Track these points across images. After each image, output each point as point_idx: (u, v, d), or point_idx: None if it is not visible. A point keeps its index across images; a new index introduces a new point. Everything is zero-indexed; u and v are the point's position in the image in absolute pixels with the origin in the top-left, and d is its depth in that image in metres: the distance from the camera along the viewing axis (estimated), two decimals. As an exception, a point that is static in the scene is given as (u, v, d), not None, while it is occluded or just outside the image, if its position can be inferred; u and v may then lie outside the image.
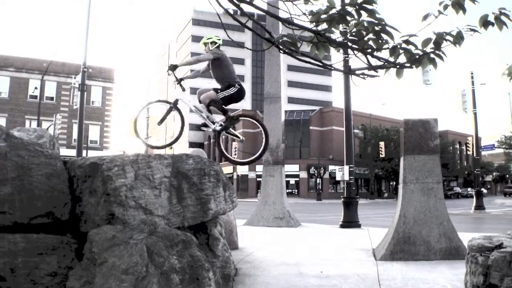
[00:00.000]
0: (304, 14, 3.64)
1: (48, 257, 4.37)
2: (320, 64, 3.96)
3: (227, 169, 70.59)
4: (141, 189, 4.99)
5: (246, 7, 3.94)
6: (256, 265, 6.91)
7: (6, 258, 4.11)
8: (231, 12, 3.73)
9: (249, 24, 4.07)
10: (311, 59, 3.88)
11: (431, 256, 7.34)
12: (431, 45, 3.59)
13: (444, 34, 3.56)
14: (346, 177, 15.98)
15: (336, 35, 3.78)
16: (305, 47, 3.86)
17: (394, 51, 3.61)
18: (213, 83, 7.62)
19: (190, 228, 5.51)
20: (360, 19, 3.48)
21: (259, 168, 57.14)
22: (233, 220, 8.74)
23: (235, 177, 72.75)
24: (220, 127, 7.21)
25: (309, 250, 8.71)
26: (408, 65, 3.68)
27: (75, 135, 40.85)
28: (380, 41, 3.57)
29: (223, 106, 7.25)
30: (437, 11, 3.48)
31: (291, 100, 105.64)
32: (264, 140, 7.24)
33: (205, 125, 7.39)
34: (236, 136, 7.47)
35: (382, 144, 58.93)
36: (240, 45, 5.91)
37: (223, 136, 7.45)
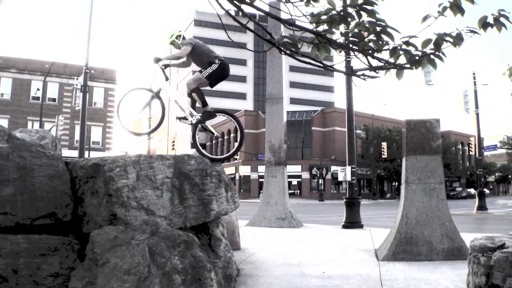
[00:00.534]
0: (305, 15, 3.65)
1: (50, 258, 4.38)
2: (321, 65, 3.97)
3: (229, 169, 70.65)
4: (143, 189, 5.00)
5: (247, 8, 3.95)
6: (258, 266, 6.91)
7: (8, 259, 4.12)
8: (233, 13, 3.74)
9: (250, 25, 4.09)
10: (312, 60, 3.89)
11: (433, 257, 7.33)
12: (431, 46, 3.60)
13: (444, 35, 3.57)
14: (348, 178, 15.96)
15: (337, 36, 3.79)
16: (306, 48, 3.87)
17: (394, 52, 3.62)
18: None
19: (192, 228, 5.52)
20: (361, 20, 3.49)
21: (261, 168, 57.10)
22: (235, 221, 8.74)
23: (237, 177, 72.75)
24: (196, 121, 7.22)
25: (311, 251, 8.71)
26: (408, 66, 3.69)
27: (77, 136, 40.85)
28: (380, 42, 3.57)
29: (205, 99, 7.27)
30: (436, 12, 3.49)
31: (293, 100, 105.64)
32: (239, 136, 7.23)
33: (184, 118, 7.40)
34: (211, 132, 7.46)
35: (384, 144, 58.86)
36: (242, 46, 5.92)
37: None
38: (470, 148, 35.94)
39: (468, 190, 76.28)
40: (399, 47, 3.62)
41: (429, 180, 7.79)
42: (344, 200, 15.44)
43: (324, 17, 3.54)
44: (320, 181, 67.05)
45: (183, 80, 48.81)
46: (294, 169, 66.70)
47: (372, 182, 74.57)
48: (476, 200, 27.96)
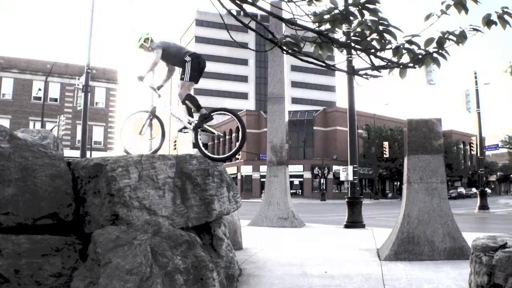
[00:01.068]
0: (307, 14, 3.64)
1: (52, 258, 4.38)
2: (323, 64, 3.96)
3: (231, 169, 70.66)
4: (145, 189, 5.00)
5: (249, 8, 3.94)
6: (260, 266, 6.91)
7: (10, 259, 4.12)
8: (234, 13, 3.73)
9: (252, 24, 4.08)
10: (314, 60, 3.88)
11: (435, 256, 7.32)
12: (434, 44, 3.59)
13: (447, 33, 3.56)
14: (350, 177, 15.97)
15: (339, 35, 3.78)
16: (308, 48, 3.86)
17: (397, 51, 3.61)
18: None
19: (194, 228, 5.52)
20: (363, 19, 3.48)
21: (263, 168, 57.16)
22: (237, 221, 8.75)
23: (239, 177, 72.76)
24: (194, 127, 7.21)
25: (313, 251, 8.70)
26: (411, 65, 3.68)
27: (79, 136, 40.92)
28: (383, 41, 3.56)
29: (198, 103, 7.25)
30: (439, 10, 3.48)
31: (295, 100, 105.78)
32: (241, 134, 7.20)
33: (184, 127, 7.38)
34: (212, 132, 7.44)
35: (386, 144, 58.86)
36: (243, 45, 5.91)
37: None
38: (472, 148, 35.89)
39: (470, 190, 76.23)
40: (402, 46, 3.61)
41: (431, 179, 7.78)
42: (346, 199, 15.43)
43: (326, 16, 3.53)
44: (322, 180, 67.06)
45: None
46: (296, 168, 66.74)
47: (374, 182, 74.51)
48: (478, 199, 27.93)
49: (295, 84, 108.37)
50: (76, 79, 32.51)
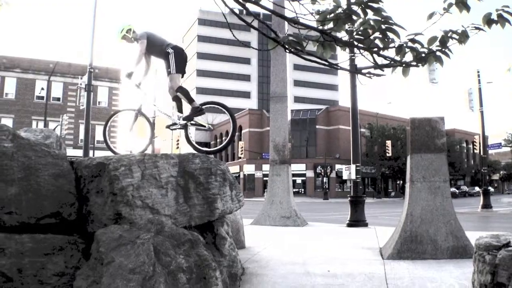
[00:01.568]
0: (311, 13, 3.64)
1: (55, 257, 4.38)
2: (326, 63, 3.95)
3: (233, 168, 70.73)
4: (147, 188, 4.99)
5: (252, 7, 3.94)
6: (263, 264, 6.91)
7: (13, 258, 4.12)
8: (237, 11, 3.73)
9: (255, 23, 4.07)
10: (317, 59, 3.88)
11: (438, 255, 7.31)
12: (437, 43, 3.59)
13: (450, 32, 3.57)
14: (353, 176, 15.96)
15: (342, 34, 3.78)
16: (311, 47, 3.86)
17: (400, 49, 3.61)
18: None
19: (197, 227, 5.52)
20: (366, 18, 3.48)
21: (266, 167, 57.17)
22: (240, 220, 8.74)
23: (241, 176, 72.83)
24: (183, 121, 7.19)
25: (316, 249, 8.70)
26: (414, 63, 3.68)
27: (81, 136, 41.04)
28: (386, 39, 3.56)
29: (190, 95, 7.24)
30: (442, 9, 3.48)
31: (297, 99, 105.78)
32: (231, 127, 7.18)
33: (173, 124, 7.37)
34: (202, 125, 7.42)
35: (388, 143, 58.88)
36: (246, 44, 5.91)
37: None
38: (475, 146, 35.91)
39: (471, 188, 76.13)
40: (405, 45, 3.61)
41: (433, 178, 7.76)
42: (349, 198, 15.43)
43: (329, 15, 3.53)
44: (325, 179, 67.10)
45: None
46: (298, 167, 66.73)
47: (376, 181, 74.54)
48: (481, 198, 27.90)
49: (297, 83, 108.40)
50: (79, 78, 32.57)
